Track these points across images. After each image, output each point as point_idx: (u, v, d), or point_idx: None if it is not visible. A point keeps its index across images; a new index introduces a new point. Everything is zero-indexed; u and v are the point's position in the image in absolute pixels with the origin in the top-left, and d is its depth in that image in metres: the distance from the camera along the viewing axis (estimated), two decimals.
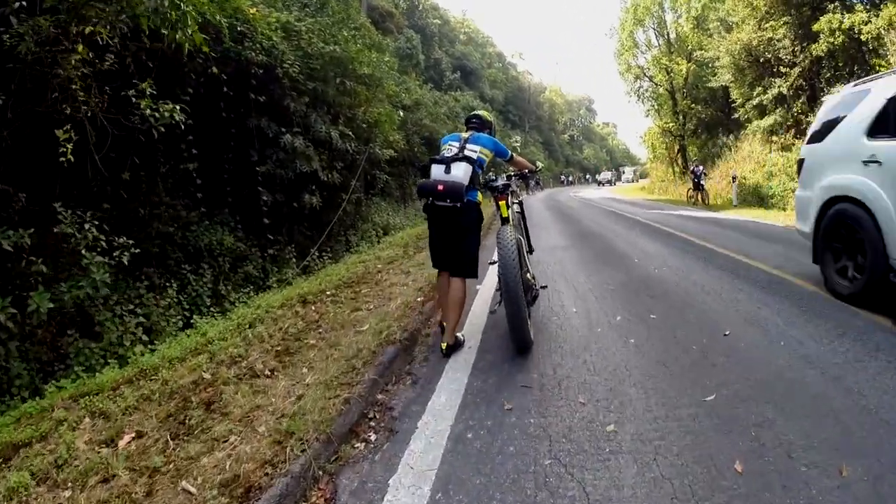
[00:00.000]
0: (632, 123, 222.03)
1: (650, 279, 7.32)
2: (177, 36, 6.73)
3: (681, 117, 34.48)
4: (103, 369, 5.63)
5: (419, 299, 6.41)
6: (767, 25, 22.55)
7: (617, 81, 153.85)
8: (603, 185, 68.87)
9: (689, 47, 33.20)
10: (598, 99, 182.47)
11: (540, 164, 7.39)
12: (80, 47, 6.00)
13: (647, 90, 37.91)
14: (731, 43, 24.50)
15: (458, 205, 4.55)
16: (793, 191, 19.80)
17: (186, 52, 7.19)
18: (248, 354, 4.92)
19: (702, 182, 23.43)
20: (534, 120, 75.15)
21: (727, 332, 4.93)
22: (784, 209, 19.48)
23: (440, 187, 4.50)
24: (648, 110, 38.41)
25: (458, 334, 5.07)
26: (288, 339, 5.34)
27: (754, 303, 5.95)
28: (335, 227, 14.04)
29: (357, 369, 4.29)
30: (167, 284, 8.44)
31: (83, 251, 6.33)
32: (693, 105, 33.37)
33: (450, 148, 4.89)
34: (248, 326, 5.79)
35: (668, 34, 36.00)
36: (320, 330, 5.56)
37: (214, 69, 8.62)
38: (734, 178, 22.43)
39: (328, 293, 7.23)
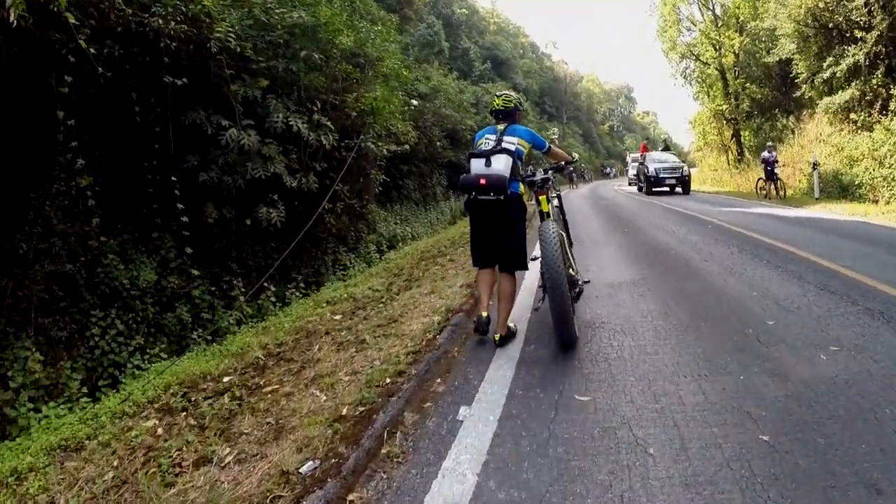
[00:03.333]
0: (672, 111, 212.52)
1: None
2: None
3: (733, 99, 30.17)
4: None
5: (311, 464, 2.92)
6: None
7: (656, 68, 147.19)
8: (665, 181, 24.31)
9: (742, 18, 28.89)
10: (636, 87, 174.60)
11: (576, 156, 6.38)
12: None
13: (694, 71, 33.54)
14: (793, 7, 20.43)
15: (502, 197, 4.35)
16: (883, 178, 15.96)
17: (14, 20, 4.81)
18: None
19: (775, 171, 19.16)
20: (571, 111, 70.73)
21: None
22: (876, 202, 15.48)
23: (482, 181, 4.32)
24: (697, 92, 34.03)
25: (511, 324, 4.84)
26: None
27: None
28: (325, 244, 10.74)
29: None
30: (31, 349, 6.05)
31: None
32: (747, 84, 29.12)
33: (486, 141, 4.66)
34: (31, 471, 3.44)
35: (713, 6, 31.71)
36: None
37: (82, 42, 6.03)
38: (815, 165, 18.09)
39: (224, 382, 4.56)
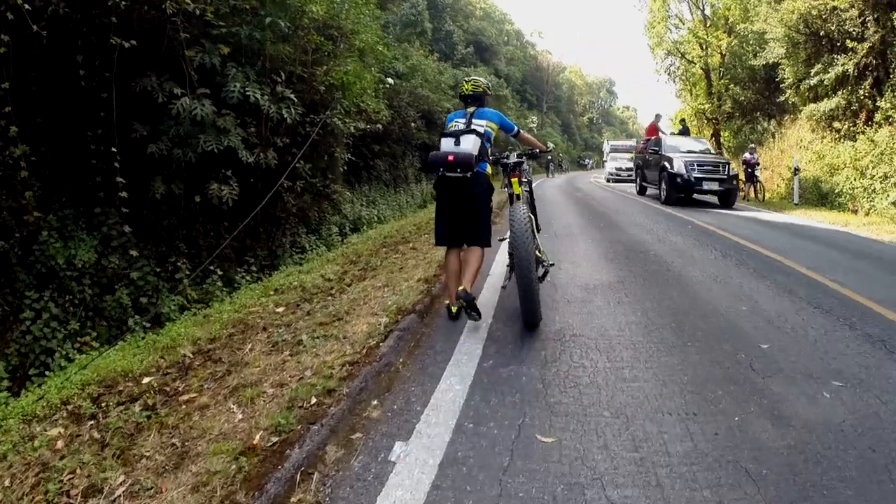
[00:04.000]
0: (652, 107, 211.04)
1: None
2: None
3: (716, 99, 29.68)
4: None
5: None
6: None
7: (638, 64, 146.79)
8: (702, 186, 15.51)
9: (731, 20, 28.37)
10: (618, 82, 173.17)
11: (551, 145, 6.38)
12: None
13: (678, 68, 32.88)
14: (786, 12, 20.00)
15: (469, 174, 4.45)
16: (864, 188, 15.59)
17: None
18: None
19: (756, 173, 18.67)
20: (552, 101, 70.06)
21: None
22: (855, 212, 15.11)
23: (450, 158, 4.45)
24: (681, 90, 33.42)
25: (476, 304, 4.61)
26: None
27: None
28: (284, 225, 10.03)
29: None
30: None
31: None
32: (731, 85, 28.63)
33: (456, 124, 4.83)
34: None
35: (703, 6, 31.12)
36: None
37: None
38: (796, 170, 17.63)
39: (143, 383, 3.93)
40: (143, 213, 7.58)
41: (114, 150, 6.76)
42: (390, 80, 15.26)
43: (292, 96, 8.71)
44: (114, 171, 6.80)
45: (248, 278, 8.43)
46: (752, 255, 7.99)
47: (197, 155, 7.60)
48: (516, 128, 5.24)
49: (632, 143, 24.31)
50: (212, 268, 7.87)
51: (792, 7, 19.58)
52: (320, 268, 7.50)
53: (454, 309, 4.82)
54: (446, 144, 4.64)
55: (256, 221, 9.53)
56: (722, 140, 30.83)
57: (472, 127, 4.69)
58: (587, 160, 66.77)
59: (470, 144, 4.54)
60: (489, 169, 4.84)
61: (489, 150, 4.85)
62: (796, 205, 16.77)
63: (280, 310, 5.51)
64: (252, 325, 5.10)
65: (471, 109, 4.90)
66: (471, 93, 5.00)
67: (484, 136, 4.69)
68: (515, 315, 4.83)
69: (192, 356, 4.48)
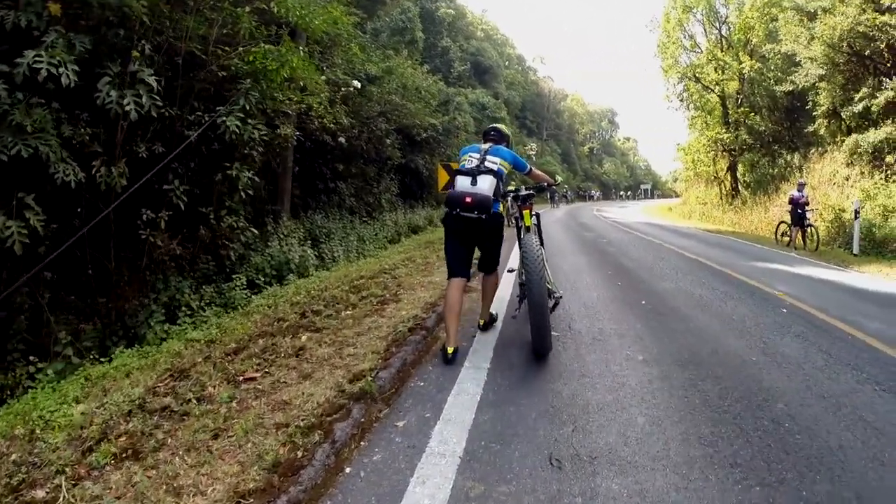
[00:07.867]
0: (653, 140, 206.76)
1: None
2: None
3: (732, 128, 26.44)
4: None
5: None
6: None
7: (640, 96, 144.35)
8: None
9: (754, 41, 25.16)
10: (620, 112, 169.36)
11: (559, 178, 6.45)
12: None
13: (692, 94, 29.49)
14: (826, 28, 17.00)
15: (485, 216, 4.35)
16: None
17: None
18: None
19: (808, 215, 14.32)
20: (552, 128, 67.11)
21: None
22: None
23: (468, 199, 4.32)
24: (694, 118, 30.06)
25: (492, 311, 5.32)
26: None
27: None
28: (154, 276, 6.69)
29: None
30: None
31: None
32: (751, 114, 25.41)
33: (470, 159, 4.68)
34: None
35: (720, 26, 28.01)
36: None
37: None
38: (857, 213, 13.50)
39: None
40: None
41: None
42: (356, 83, 11.86)
43: (150, 79, 5.32)
44: None
45: (49, 373, 4.95)
46: None
47: None
48: (528, 166, 5.07)
49: None
50: None
51: (833, 23, 16.77)
52: (139, 377, 4.13)
53: (450, 350, 4.41)
54: (463, 183, 4.43)
55: (121, 273, 6.20)
56: (738, 174, 27.71)
57: (487, 165, 4.53)
58: (594, 192, 64.48)
59: (486, 185, 4.37)
60: (502, 207, 4.74)
61: (502, 188, 4.64)
62: (856, 256, 13.01)
63: None
64: None
65: (485, 146, 4.76)
66: (496, 127, 5.12)
67: (498, 175, 4.53)
68: None
69: None
